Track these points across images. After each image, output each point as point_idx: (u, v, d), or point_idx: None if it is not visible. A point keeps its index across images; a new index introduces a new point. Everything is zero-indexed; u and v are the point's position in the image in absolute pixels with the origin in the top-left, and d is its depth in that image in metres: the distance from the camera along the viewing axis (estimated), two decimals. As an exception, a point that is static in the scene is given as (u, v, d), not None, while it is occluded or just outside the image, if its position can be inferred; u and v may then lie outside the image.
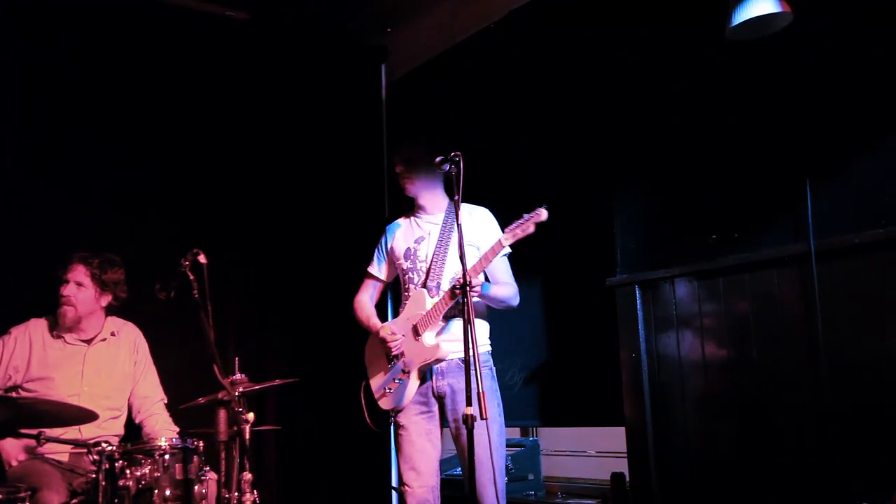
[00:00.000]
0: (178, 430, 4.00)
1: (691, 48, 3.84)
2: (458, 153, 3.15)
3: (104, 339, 3.92)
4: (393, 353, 3.57)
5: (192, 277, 3.23)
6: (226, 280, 4.87)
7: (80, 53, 4.70)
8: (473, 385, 2.85)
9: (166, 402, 4.12)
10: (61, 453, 3.63)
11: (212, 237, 4.59)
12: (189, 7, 5.23)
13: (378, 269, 3.86)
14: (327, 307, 5.34)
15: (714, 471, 3.66)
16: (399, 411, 3.58)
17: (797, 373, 3.39)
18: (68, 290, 3.80)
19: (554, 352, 4.64)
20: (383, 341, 3.58)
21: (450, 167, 3.17)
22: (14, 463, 3.63)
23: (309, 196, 5.47)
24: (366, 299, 3.86)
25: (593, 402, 4.38)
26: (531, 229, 3.29)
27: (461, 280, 3.09)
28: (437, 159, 3.20)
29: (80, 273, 3.82)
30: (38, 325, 3.87)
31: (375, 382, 3.68)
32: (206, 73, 5.16)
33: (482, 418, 2.80)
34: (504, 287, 3.57)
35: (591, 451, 5.21)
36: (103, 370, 3.89)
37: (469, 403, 2.88)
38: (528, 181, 4.74)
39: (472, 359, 2.88)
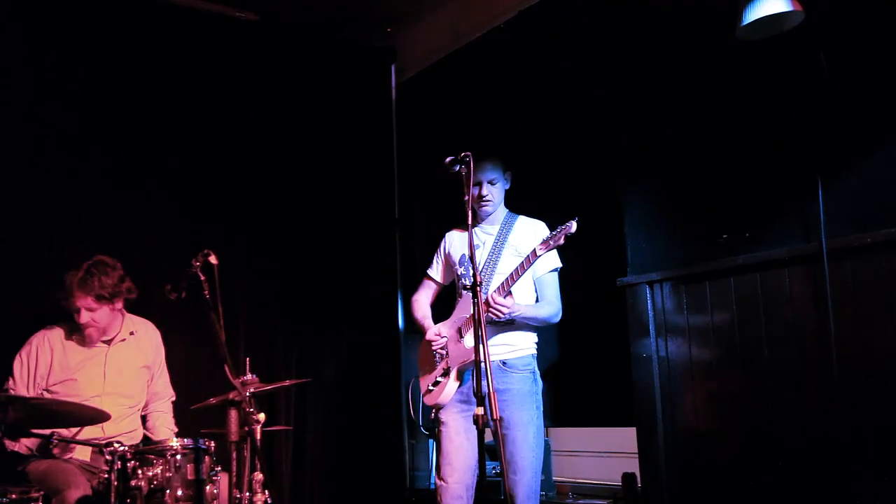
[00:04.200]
0: (176, 430, 4.05)
1: (701, 46, 3.82)
2: (469, 153, 3.17)
3: (124, 339, 3.94)
4: (437, 353, 3.70)
5: (202, 278, 3.24)
6: (236, 281, 4.89)
7: (88, 54, 4.71)
8: (483, 386, 2.86)
9: (174, 399, 4.16)
10: (83, 453, 3.66)
11: (222, 238, 4.62)
12: (199, 8, 5.24)
13: (436, 271, 3.98)
14: (338, 307, 5.36)
15: (725, 471, 3.65)
16: (440, 408, 3.67)
17: (808, 373, 3.38)
18: (84, 318, 3.76)
19: (565, 352, 4.64)
20: (429, 342, 3.74)
21: (460, 167, 3.19)
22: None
23: (319, 196, 5.47)
24: (422, 299, 3.99)
25: (604, 402, 4.38)
26: (562, 241, 3.37)
27: (472, 280, 3.11)
28: (448, 160, 3.22)
29: (85, 300, 3.74)
30: (56, 330, 3.88)
31: (423, 379, 3.79)
32: (215, 74, 5.16)
33: (492, 419, 2.82)
34: (545, 307, 3.65)
35: (602, 451, 5.20)
36: (124, 369, 3.91)
37: (479, 404, 2.89)
38: (538, 180, 4.73)
39: (482, 360, 2.89)
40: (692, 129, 3.88)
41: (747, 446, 3.58)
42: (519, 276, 3.46)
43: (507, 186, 3.75)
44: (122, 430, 3.79)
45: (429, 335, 3.74)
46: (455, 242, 3.90)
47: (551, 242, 3.37)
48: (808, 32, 3.32)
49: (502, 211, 3.80)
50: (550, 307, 3.64)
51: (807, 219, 3.40)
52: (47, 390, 3.77)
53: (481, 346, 2.91)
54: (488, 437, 3.68)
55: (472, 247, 3.16)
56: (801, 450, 3.38)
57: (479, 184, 3.74)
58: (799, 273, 3.44)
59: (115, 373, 3.87)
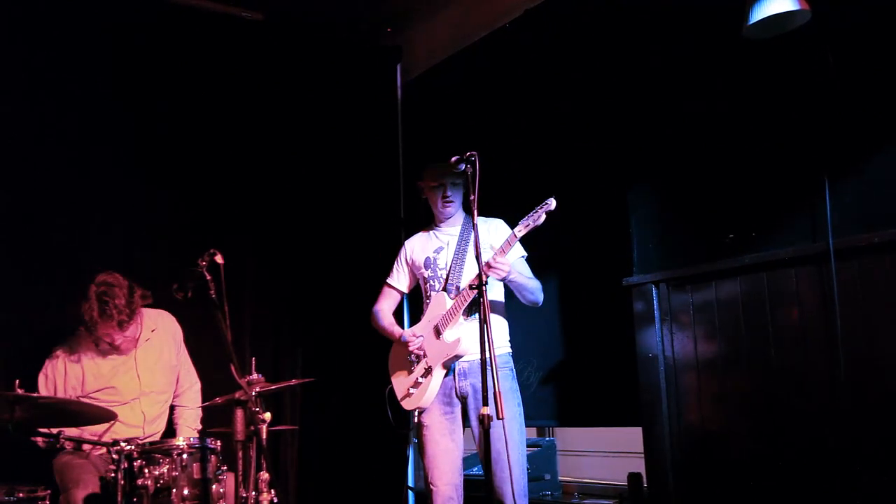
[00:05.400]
0: (200, 427, 4.07)
1: (708, 45, 3.81)
2: (474, 153, 3.18)
3: (147, 339, 3.97)
4: (414, 353, 3.69)
5: (209, 277, 3.25)
6: (242, 280, 4.90)
7: (90, 54, 4.70)
8: (490, 385, 2.86)
9: (200, 386, 4.19)
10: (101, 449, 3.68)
11: (227, 238, 4.62)
12: (203, 8, 5.24)
13: (397, 280, 4.01)
14: (343, 307, 5.35)
15: (731, 471, 3.64)
16: (422, 411, 3.66)
17: (815, 372, 3.37)
18: (118, 341, 3.79)
19: (570, 351, 4.63)
20: (406, 344, 3.71)
21: (465, 166, 3.20)
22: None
23: (324, 196, 5.48)
24: (385, 308, 4.02)
25: (610, 401, 4.36)
26: (542, 220, 3.38)
27: (479, 280, 3.11)
28: (453, 159, 3.23)
29: (109, 328, 3.74)
30: (80, 341, 3.88)
31: (399, 385, 3.79)
32: (221, 74, 5.17)
33: (498, 418, 2.82)
34: (533, 280, 3.69)
35: (607, 451, 5.20)
36: (154, 368, 3.96)
37: (485, 403, 2.89)
38: (543, 180, 4.73)
39: (488, 358, 2.89)
40: (699, 128, 3.86)
41: (753, 446, 3.56)
42: (505, 253, 3.49)
43: (463, 168, 3.58)
44: (158, 430, 3.89)
45: (406, 337, 3.73)
46: (416, 248, 3.94)
47: (530, 222, 3.38)
48: (814, 31, 3.31)
49: (461, 213, 3.87)
50: (537, 282, 3.70)
51: (814, 218, 3.39)
52: (87, 397, 3.78)
53: (488, 346, 2.92)
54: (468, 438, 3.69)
55: (477, 246, 3.15)
56: (808, 450, 3.37)
57: (442, 185, 3.81)
58: (806, 273, 3.42)
59: (148, 373, 3.92)
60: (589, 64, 4.49)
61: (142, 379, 3.88)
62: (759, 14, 3.21)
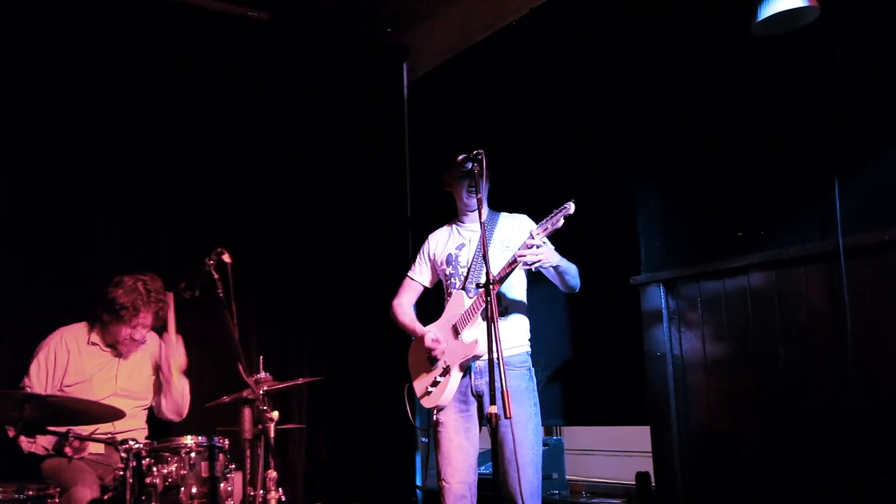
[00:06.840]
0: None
1: (716, 43, 3.80)
2: (481, 151, 3.17)
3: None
4: (436, 357, 3.65)
5: (216, 276, 3.25)
6: (248, 279, 4.89)
7: (93, 54, 4.71)
8: (497, 384, 2.86)
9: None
10: (97, 446, 3.69)
11: (234, 237, 4.63)
12: (209, 7, 5.25)
13: (419, 274, 3.93)
14: (350, 305, 5.36)
15: (739, 470, 3.63)
16: (440, 409, 3.64)
17: (823, 371, 3.36)
18: (139, 335, 3.86)
19: (578, 350, 4.62)
20: (427, 349, 3.66)
21: (472, 165, 3.19)
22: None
23: (331, 195, 5.48)
24: (406, 303, 3.94)
25: (618, 401, 4.36)
26: (560, 223, 3.31)
27: (486, 279, 3.10)
28: (460, 157, 3.22)
29: (146, 318, 3.83)
30: (73, 332, 3.92)
31: (418, 383, 3.76)
32: (225, 73, 5.17)
33: (506, 417, 2.81)
34: (572, 265, 3.59)
35: (615, 450, 5.19)
36: (134, 374, 3.98)
37: (493, 402, 2.89)
38: (550, 178, 4.72)
39: (495, 358, 2.89)
40: (707, 125, 3.85)
41: (762, 445, 3.56)
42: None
43: (470, 167, 3.40)
44: (132, 427, 3.86)
45: (427, 342, 3.65)
46: (440, 243, 3.86)
47: (548, 225, 3.30)
48: (823, 28, 3.29)
49: (485, 208, 3.70)
50: (574, 266, 3.59)
51: (823, 217, 3.38)
52: (62, 390, 3.82)
53: (494, 344, 2.91)
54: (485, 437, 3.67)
55: (485, 245, 3.15)
56: (817, 448, 3.36)
57: (470, 175, 3.72)
58: (815, 271, 3.41)
59: (126, 377, 3.95)
60: (595, 62, 4.48)
61: (119, 380, 3.91)
62: (767, 11, 3.20)
